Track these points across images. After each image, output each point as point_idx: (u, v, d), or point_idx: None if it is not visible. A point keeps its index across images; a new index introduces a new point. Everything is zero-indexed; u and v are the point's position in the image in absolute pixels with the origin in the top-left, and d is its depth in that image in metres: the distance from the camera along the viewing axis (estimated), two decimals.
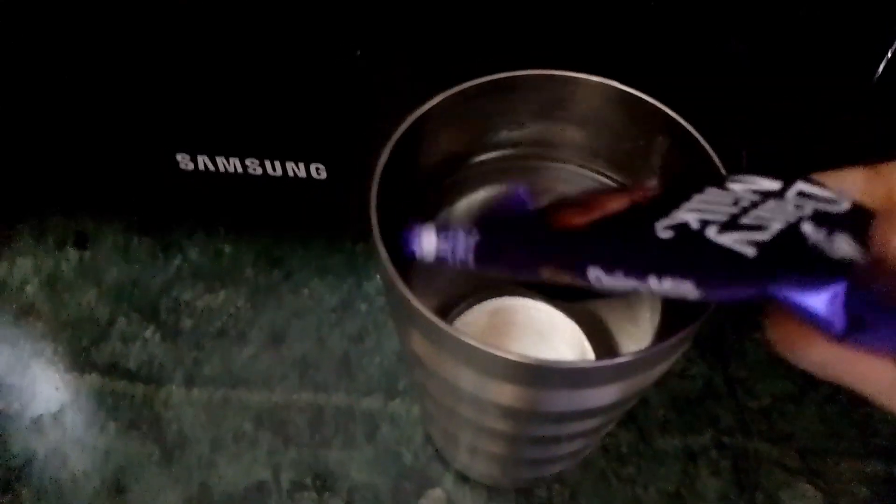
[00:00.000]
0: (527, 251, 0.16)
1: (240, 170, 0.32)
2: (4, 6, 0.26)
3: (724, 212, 0.14)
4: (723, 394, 0.34)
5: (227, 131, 0.31)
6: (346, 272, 0.38)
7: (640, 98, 0.21)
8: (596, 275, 0.15)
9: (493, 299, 0.31)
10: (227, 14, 0.26)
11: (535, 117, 0.23)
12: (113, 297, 0.38)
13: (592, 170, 0.25)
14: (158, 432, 0.33)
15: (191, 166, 0.32)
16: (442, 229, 0.17)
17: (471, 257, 0.16)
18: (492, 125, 0.24)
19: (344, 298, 0.37)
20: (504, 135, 0.24)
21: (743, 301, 0.13)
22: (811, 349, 0.13)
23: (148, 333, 0.36)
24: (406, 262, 0.25)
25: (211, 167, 0.32)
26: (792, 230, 0.13)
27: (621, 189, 0.16)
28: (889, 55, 0.25)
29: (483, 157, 0.24)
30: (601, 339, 0.30)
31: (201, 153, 0.31)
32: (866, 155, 0.15)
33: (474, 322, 0.30)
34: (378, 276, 0.37)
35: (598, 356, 0.30)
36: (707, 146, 0.20)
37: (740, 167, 0.16)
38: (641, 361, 0.17)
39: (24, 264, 0.39)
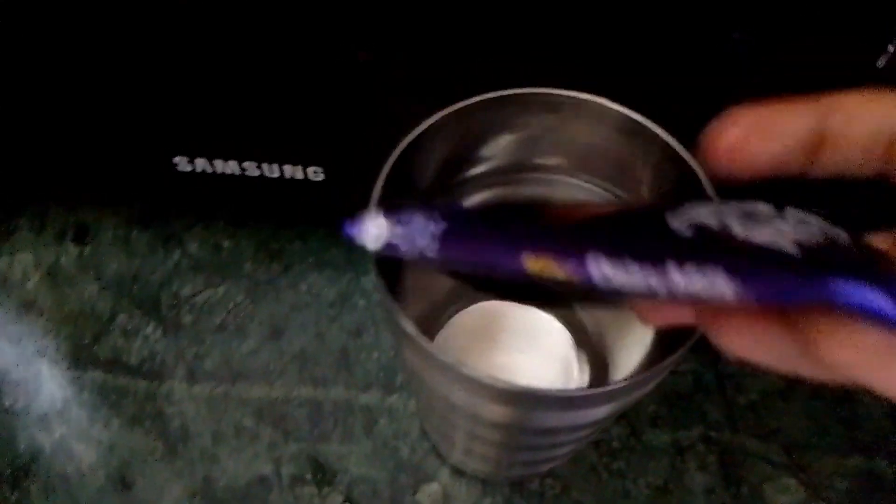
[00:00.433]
0: (508, 236, 0.13)
1: (237, 172, 0.32)
2: (7, 7, 0.26)
3: (737, 216, 0.12)
4: (713, 389, 0.35)
5: (224, 135, 0.31)
6: (344, 266, 0.39)
7: (632, 118, 0.21)
8: (597, 264, 0.12)
9: (484, 302, 0.31)
10: (225, 22, 0.26)
11: (529, 134, 0.23)
12: (113, 292, 0.38)
13: (586, 181, 0.25)
14: (161, 427, 0.34)
15: (189, 168, 0.32)
16: (393, 213, 0.14)
17: (435, 245, 0.13)
18: (486, 139, 0.24)
19: (342, 293, 0.38)
20: (498, 149, 0.24)
21: (786, 302, 0.11)
22: (845, 349, 0.12)
23: (149, 329, 0.37)
24: (400, 267, 0.26)
25: (208, 169, 0.32)
26: (827, 236, 0.12)
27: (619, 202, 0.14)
28: (895, 41, 0.25)
29: (477, 170, 0.25)
30: (589, 340, 0.31)
31: (199, 156, 0.31)
32: None
33: (465, 324, 0.31)
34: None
35: (589, 357, 0.31)
36: (694, 164, 0.20)
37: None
38: (632, 385, 0.18)
39: (25, 258, 0.39)
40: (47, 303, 0.38)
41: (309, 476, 0.32)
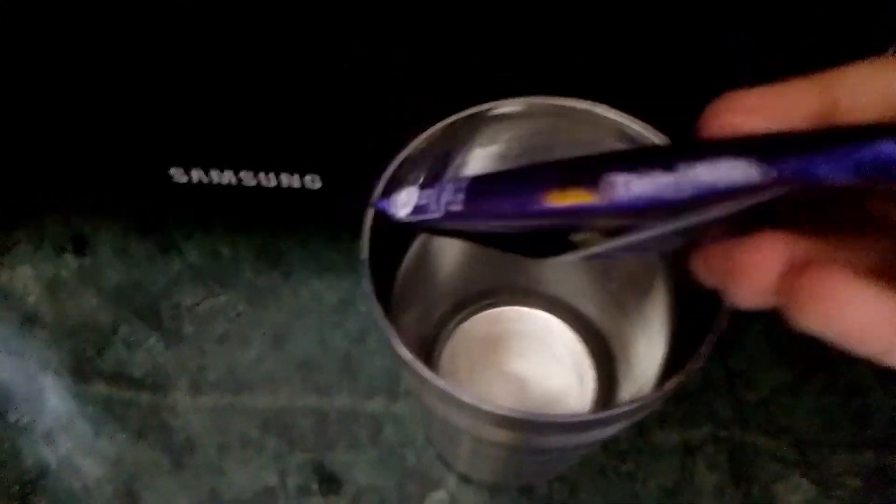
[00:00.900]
0: (531, 177, 0.13)
1: (234, 182, 0.32)
2: (2, 18, 0.26)
3: None
4: (722, 387, 0.35)
5: (219, 145, 0.30)
6: (345, 271, 0.38)
7: (631, 126, 0.20)
8: (620, 179, 0.12)
9: (492, 309, 0.31)
10: (219, 32, 0.25)
11: (528, 141, 0.23)
12: (114, 303, 0.38)
13: None
14: (167, 440, 0.34)
15: (184, 179, 0.32)
16: (423, 185, 0.15)
17: (460, 197, 0.14)
18: (482, 148, 0.23)
19: (344, 298, 0.38)
20: (496, 157, 0.24)
21: (818, 177, 0.11)
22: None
23: (151, 341, 0.36)
24: (394, 273, 0.25)
25: (205, 179, 0.32)
26: None
27: None
28: None
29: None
30: (600, 344, 0.31)
31: (195, 167, 0.31)
32: None
33: (473, 331, 0.31)
34: None
35: (600, 362, 0.31)
36: None
37: None
38: (642, 406, 0.17)
39: (25, 272, 0.39)
40: (49, 316, 0.38)
41: (315, 486, 0.32)
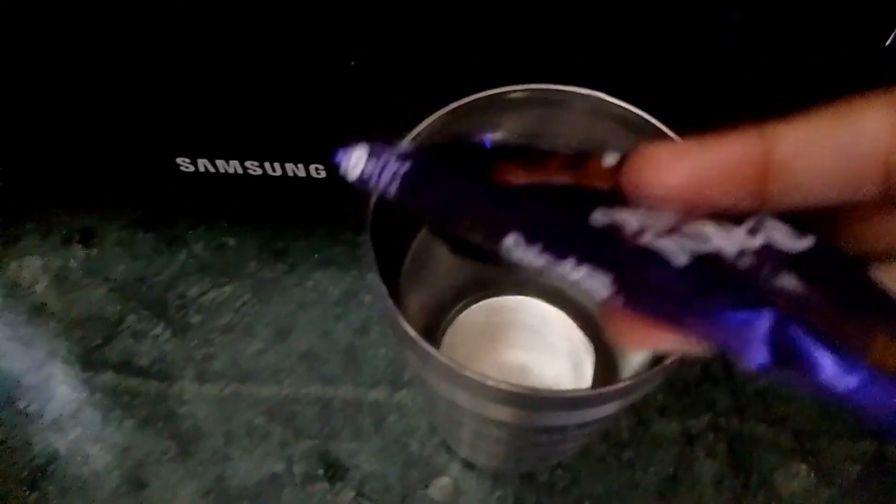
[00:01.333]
0: (452, 195, 0.14)
1: (240, 171, 0.32)
2: (7, 12, 0.26)
3: (668, 223, 0.13)
4: (720, 377, 0.35)
5: (226, 136, 0.31)
6: (348, 263, 0.39)
7: (633, 111, 0.21)
8: (515, 241, 0.13)
9: (490, 299, 0.31)
10: (223, 22, 0.26)
11: (526, 129, 0.23)
12: (121, 294, 0.38)
13: None
14: (173, 428, 0.34)
15: (191, 168, 0.32)
16: (376, 150, 0.15)
17: (394, 187, 0.14)
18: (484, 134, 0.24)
19: (347, 290, 0.38)
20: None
21: (655, 314, 0.13)
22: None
23: (158, 330, 0.37)
24: (401, 267, 0.26)
25: (211, 169, 0.32)
26: (734, 253, 0.13)
27: (575, 159, 0.14)
28: None
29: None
30: (598, 332, 0.31)
31: (201, 157, 0.31)
32: None
33: (472, 321, 0.31)
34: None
35: (598, 349, 0.31)
36: None
37: None
38: (638, 383, 0.18)
39: (33, 263, 0.39)
40: (57, 307, 0.38)
41: (321, 473, 0.33)
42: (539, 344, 0.31)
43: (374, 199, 0.19)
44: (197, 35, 0.26)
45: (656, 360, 0.22)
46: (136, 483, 0.33)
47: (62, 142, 0.33)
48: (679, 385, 0.35)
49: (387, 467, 0.33)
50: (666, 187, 0.12)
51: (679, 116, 0.20)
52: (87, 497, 0.32)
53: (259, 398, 0.35)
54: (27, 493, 0.32)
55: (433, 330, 0.32)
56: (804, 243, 0.13)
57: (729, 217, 0.13)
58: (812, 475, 0.32)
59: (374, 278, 0.19)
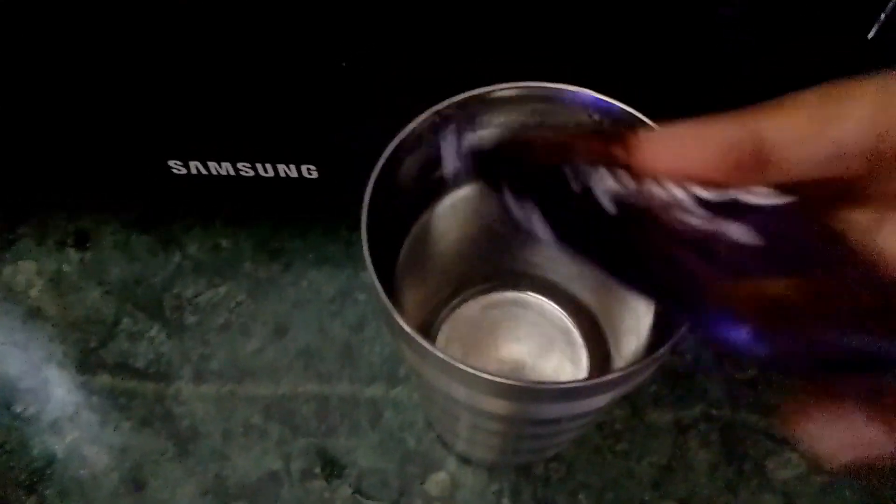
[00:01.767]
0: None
1: (232, 173, 0.32)
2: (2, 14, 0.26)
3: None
4: (712, 367, 0.35)
5: (217, 138, 0.31)
6: (343, 261, 0.39)
7: (626, 110, 0.21)
8: (537, 216, 0.14)
9: (486, 294, 0.32)
10: (214, 24, 0.26)
11: (517, 125, 0.23)
12: (117, 296, 0.38)
13: None
14: (171, 428, 0.34)
15: (183, 171, 0.32)
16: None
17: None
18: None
19: (342, 288, 0.38)
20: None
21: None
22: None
23: (154, 331, 0.37)
24: (393, 263, 0.26)
25: (203, 171, 0.32)
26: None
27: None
28: (885, 11, 0.25)
29: None
30: (592, 325, 0.31)
31: (192, 160, 0.32)
32: None
33: (468, 317, 0.31)
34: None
35: (593, 342, 0.31)
36: None
37: None
38: (631, 374, 0.18)
39: (28, 266, 0.39)
40: (52, 309, 0.38)
41: (318, 470, 0.33)
42: (535, 338, 0.31)
43: (368, 197, 0.20)
44: (188, 38, 0.26)
45: (649, 350, 0.23)
46: (135, 484, 0.33)
47: (55, 145, 0.33)
48: (672, 376, 0.35)
49: (384, 463, 0.33)
50: (661, 171, 0.13)
51: (679, 117, 0.20)
52: (87, 499, 0.32)
53: (256, 397, 0.35)
54: (26, 496, 0.32)
55: (429, 326, 0.32)
56: (775, 200, 0.13)
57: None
58: (804, 462, 0.33)
59: (369, 275, 0.19)
